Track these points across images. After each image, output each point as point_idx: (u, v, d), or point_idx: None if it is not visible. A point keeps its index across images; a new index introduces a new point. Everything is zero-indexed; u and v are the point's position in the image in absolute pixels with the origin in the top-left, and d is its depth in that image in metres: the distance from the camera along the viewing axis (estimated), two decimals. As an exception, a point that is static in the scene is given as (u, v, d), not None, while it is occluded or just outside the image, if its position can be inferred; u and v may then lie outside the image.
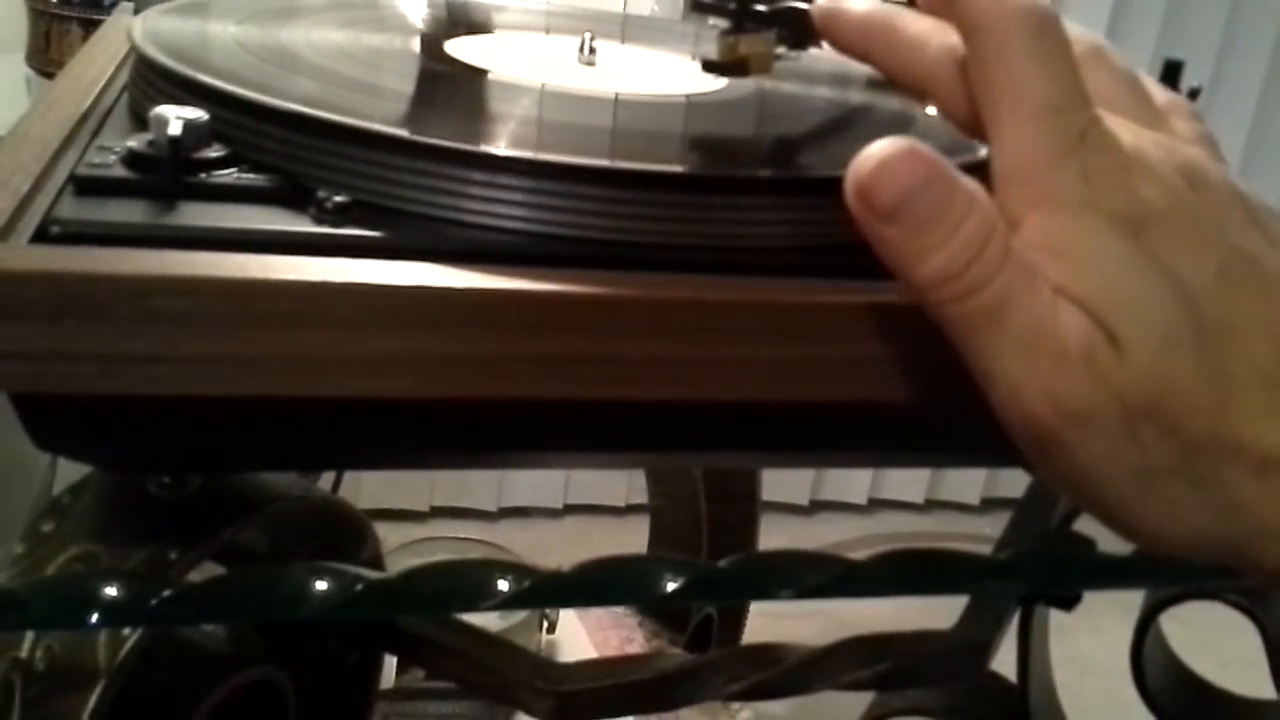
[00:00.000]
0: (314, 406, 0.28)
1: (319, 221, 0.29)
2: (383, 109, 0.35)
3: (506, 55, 0.42)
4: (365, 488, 1.41)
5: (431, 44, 0.42)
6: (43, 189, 0.29)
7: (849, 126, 0.41)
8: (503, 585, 0.31)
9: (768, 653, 0.43)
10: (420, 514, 1.47)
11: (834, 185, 0.25)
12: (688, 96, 0.41)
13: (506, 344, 0.27)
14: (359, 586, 0.29)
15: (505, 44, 0.45)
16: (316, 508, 0.37)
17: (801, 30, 0.39)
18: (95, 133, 0.34)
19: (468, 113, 0.36)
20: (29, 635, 0.32)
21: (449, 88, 0.39)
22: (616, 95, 0.39)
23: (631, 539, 0.98)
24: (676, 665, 0.42)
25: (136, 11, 0.56)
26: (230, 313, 0.26)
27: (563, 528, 1.50)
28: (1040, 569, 0.41)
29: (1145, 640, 0.50)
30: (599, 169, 0.30)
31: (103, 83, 0.39)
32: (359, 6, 0.47)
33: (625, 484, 1.48)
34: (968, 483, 1.68)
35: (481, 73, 0.39)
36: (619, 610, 0.87)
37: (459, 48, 0.42)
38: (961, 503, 1.69)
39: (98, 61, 0.41)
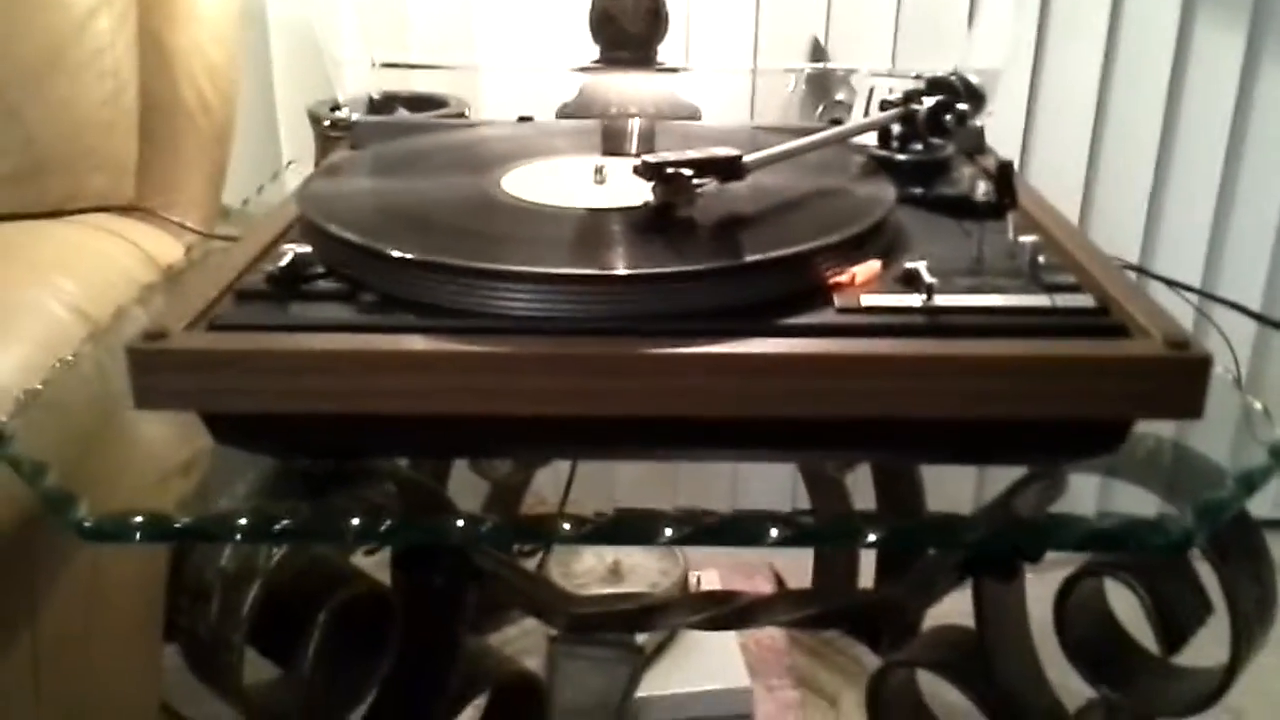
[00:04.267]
0: (383, 419, 0.49)
1: (359, 312, 0.50)
2: (400, 234, 0.54)
3: (539, 180, 0.62)
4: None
5: (481, 179, 0.62)
6: (225, 298, 0.52)
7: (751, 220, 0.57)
8: (565, 527, 0.50)
9: (724, 595, 0.60)
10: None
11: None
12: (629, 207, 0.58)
13: (445, 381, 0.47)
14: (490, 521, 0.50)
15: (548, 170, 0.65)
16: (403, 484, 0.58)
17: (732, 172, 0.56)
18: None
19: (458, 232, 0.55)
20: (228, 551, 0.55)
21: (461, 214, 0.58)
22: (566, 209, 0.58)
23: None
24: (655, 600, 0.59)
25: (353, 146, 0.80)
26: (288, 365, 0.47)
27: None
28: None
29: (1067, 604, 0.62)
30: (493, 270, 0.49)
31: (290, 219, 0.62)
32: (446, 150, 0.68)
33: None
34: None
35: (492, 198, 0.59)
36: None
37: (513, 178, 0.62)
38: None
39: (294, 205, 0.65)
